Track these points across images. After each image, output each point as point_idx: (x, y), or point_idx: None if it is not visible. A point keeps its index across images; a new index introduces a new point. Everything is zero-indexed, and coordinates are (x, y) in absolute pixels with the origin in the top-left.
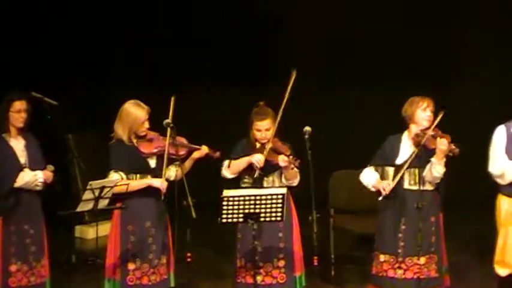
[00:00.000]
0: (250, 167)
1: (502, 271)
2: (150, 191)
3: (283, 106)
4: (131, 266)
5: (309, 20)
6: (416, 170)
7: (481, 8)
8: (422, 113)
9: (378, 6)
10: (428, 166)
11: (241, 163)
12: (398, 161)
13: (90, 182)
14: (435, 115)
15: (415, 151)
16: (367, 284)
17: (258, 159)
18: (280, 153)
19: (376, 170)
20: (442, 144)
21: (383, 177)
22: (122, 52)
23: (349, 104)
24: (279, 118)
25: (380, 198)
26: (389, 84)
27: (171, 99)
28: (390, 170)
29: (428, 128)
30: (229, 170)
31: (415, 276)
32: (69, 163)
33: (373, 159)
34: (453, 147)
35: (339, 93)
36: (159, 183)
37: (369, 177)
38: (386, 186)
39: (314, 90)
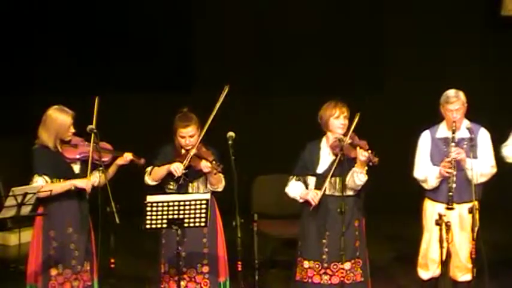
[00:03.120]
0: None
1: (424, 274)
2: (72, 196)
3: (210, 119)
4: (53, 272)
5: (236, 24)
6: (338, 179)
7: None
8: (335, 122)
9: (304, 9)
10: (350, 174)
11: (161, 171)
12: (319, 169)
13: (12, 189)
14: (351, 120)
15: (336, 161)
16: None
17: (176, 167)
18: (203, 159)
19: (299, 180)
20: (362, 155)
21: (305, 186)
22: (44, 58)
23: (272, 108)
24: (205, 130)
25: (311, 209)
26: (312, 89)
27: (94, 102)
28: (312, 179)
29: (345, 135)
30: (150, 177)
31: (341, 281)
32: None
33: (294, 170)
34: (372, 156)
35: (261, 98)
36: (84, 183)
37: (295, 189)
38: (315, 196)
39: (238, 96)
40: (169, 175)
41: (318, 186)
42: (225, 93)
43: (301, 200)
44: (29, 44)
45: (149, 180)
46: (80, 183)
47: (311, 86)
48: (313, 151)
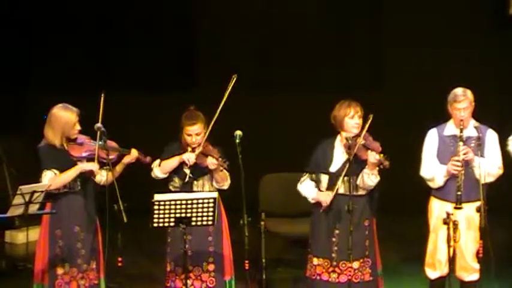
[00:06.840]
0: (181, 170)
1: (432, 274)
2: (79, 195)
3: (219, 110)
4: (59, 271)
5: (238, 23)
6: (349, 178)
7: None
8: (350, 121)
9: (305, 7)
10: (361, 174)
11: (172, 162)
12: (332, 168)
13: (20, 187)
14: (364, 119)
15: (348, 160)
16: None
17: (188, 156)
18: (209, 156)
19: (312, 179)
20: (372, 157)
21: (318, 184)
22: (44, 57)
23: (278, 107)
24: (213, 121)
25: (321, 211)
26: (319, 87)
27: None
28: (325, 177)
29: (359, 135)
30: (159, 168)
31: (348, 280)
32: None
33: (307, 166)
34: (383, 160)
35: (268, 96)
36: (90, 165)
37: (308, 189)
38: (327, 197)
39: (244, 93)
40: (176, 172)
41: (331, 184)
42: (233, 82)
43: (312, 201)
44: (28, 44)
45: (158, 172)
46: (87, 166)
47: (313, 85)
48: (327, 149)
